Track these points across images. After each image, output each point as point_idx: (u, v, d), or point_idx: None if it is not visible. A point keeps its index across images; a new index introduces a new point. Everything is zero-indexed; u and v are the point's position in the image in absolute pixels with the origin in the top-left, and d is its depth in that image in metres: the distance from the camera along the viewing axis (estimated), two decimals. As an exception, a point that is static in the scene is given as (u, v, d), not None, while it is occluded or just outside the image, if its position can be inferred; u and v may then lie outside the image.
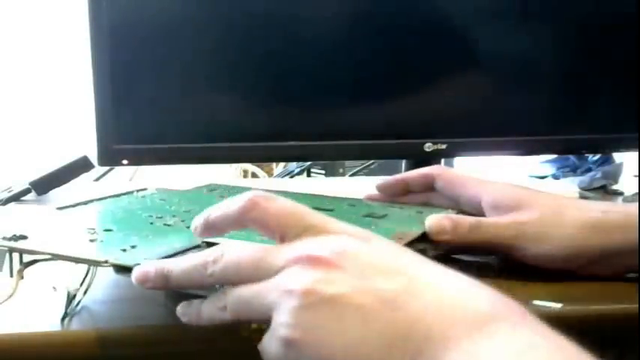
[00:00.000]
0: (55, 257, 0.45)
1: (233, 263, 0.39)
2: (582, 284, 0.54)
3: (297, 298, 0.35)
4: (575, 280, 0.54)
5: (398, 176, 0.67)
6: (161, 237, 0.50)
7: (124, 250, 0.46)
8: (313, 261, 0.37)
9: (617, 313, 0.50)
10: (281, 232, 0.40)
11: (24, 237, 0.47)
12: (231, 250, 0.40)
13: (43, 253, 0.45)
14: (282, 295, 0.36)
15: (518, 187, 0.59)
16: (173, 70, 0.76)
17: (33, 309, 0.47)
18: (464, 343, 0.33)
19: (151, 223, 0.54)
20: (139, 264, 0.43)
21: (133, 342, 0.44)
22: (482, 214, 0.59)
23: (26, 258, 0.47)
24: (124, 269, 0.43)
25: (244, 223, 0.41)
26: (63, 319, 0.46)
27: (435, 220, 0.56)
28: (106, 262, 0.43)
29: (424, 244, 0.55)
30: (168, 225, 0.54)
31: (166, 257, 0.44)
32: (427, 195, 0.65)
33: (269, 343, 0.37)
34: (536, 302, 0.49)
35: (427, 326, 0.33)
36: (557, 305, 0.49)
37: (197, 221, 0.43)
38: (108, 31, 0.72)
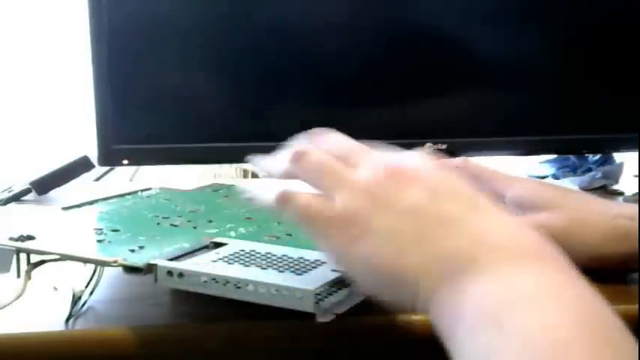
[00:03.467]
0: (64, 257, 0.45)
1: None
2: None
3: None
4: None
5: None
6: (168, 237, 0.50)
7: (133, 251, 0.46)
8: (393, 172, 0.40)
9: (617, 313, 0.50)
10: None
11: (31, 237, 0.47)
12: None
13: (51, 254, 0.45)
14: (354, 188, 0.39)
15: (545, 185, 0.56)
16: (173, 71, 0.76)
17: (38, 309, 0.47)
18: (502, 270, 0.35)
19: (158, 224, 0.54)
20: (148, 264, 0.43)
21: (135, 342, 0.44)
22: None
23: (33, 258, 0.47)
24: (133, 269, 0.43)
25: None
26: (67, 320, 0.45)
27: None
28: (115, 262, 0.43)
29: None
30: (175, 225, 0.54)
31: (175, 258, 0.44)
32: None
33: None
34: None
35: (476, 250, 0.36)
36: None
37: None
38: (107, 31, 0.72)
